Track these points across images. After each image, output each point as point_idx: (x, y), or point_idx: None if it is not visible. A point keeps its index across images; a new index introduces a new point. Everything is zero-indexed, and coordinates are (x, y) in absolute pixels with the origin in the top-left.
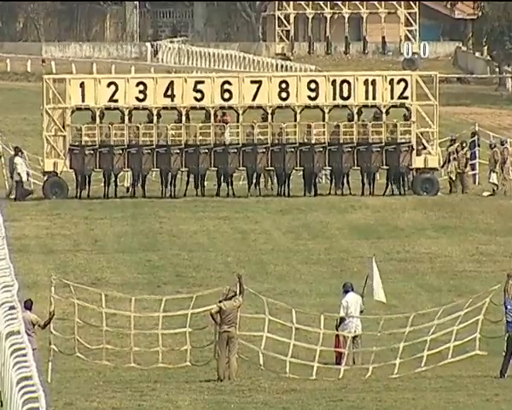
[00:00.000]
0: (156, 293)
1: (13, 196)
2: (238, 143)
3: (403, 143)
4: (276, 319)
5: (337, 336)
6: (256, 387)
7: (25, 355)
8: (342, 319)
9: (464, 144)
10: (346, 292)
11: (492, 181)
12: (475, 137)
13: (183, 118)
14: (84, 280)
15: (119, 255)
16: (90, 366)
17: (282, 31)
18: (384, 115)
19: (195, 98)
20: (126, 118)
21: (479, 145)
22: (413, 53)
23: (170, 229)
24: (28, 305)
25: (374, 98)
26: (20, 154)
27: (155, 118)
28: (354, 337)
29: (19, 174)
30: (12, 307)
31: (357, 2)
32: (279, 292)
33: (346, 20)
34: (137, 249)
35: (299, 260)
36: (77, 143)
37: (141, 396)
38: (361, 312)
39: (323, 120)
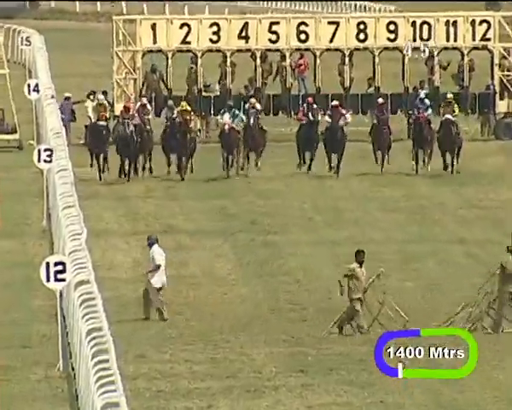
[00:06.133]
0: (230, 241)
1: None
2: None
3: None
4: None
5: None
6: (333, 339)
7: (94, 306)
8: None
9: None
10: (151, 245)
11: None
12: None
13: (258, 61)
14: (156, 227)
15: (191, 202)
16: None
17: None
18: (466, 57)
19: (270, 40)
20: (199, 61)
21: None
22: None
23: (244, 175)
24: None
25: (455, 40)
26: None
27: (228, 60)
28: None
29: (89, 117)
30: None
31: None
32: (356, 241)
33: None
34: (210, 196)
35: (376, 207)
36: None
37: (214, 349)
38: None
39: (403, 63)
